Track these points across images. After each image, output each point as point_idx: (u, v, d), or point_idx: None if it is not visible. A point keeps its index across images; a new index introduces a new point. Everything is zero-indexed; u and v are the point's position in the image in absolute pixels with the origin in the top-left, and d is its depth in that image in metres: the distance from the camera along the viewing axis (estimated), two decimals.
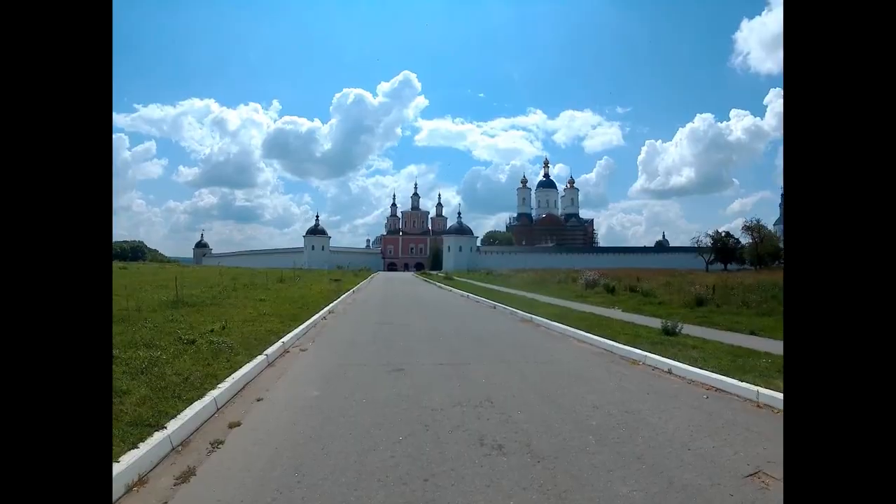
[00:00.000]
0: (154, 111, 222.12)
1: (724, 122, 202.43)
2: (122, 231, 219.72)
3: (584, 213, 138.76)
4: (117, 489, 3.21)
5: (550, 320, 12.16)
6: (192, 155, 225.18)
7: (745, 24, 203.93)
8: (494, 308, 16.84)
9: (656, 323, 10.49)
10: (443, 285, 33.57)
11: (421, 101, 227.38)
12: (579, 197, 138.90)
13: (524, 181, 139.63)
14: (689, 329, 9.95)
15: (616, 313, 13.90)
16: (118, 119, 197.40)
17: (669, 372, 6.94)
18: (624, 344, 8.60)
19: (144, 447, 3.68)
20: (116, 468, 3.30)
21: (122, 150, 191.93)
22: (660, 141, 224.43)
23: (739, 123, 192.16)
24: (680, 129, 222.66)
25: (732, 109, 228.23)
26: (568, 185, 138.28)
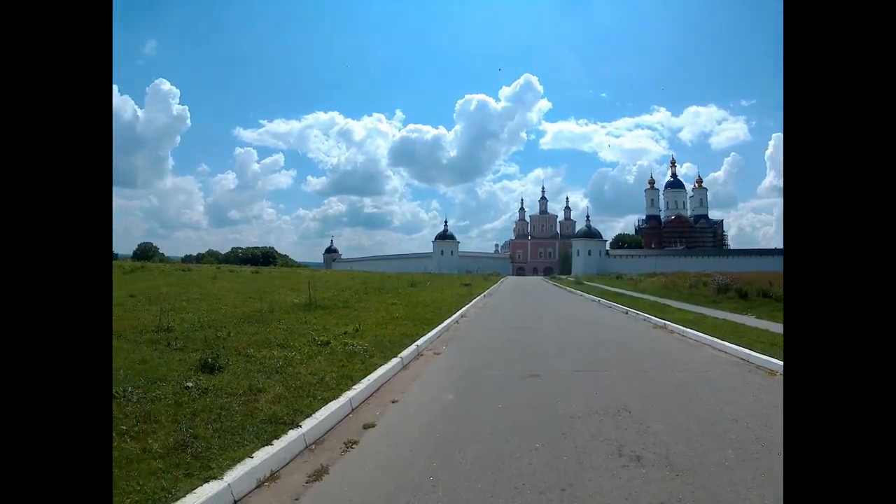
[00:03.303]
0: (280, 125, 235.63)
1: None
2: (253, 238, 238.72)
3: (713, 214, 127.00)
4: (248, 483, 3.22)
5: (684, 327, 11.40)
6: (319, 165, 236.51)
7: None
8: (626, 313, 16.02)
9: None
10: (573, 290, 32.78)
11: (544, 104, 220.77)
12: (708, 197, 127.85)
13: (651, 182, 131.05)
14: None
15: (750, 320, 12.76)
16: (245, 135, 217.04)
17: None
18: (760, 353, 7.84)
19: (278, 444, 3.71)
20: (249, 463, 3.33)
21: (250, 162, 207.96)
22: None
23: None
24: None
25: None
26: (696, 185, 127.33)
